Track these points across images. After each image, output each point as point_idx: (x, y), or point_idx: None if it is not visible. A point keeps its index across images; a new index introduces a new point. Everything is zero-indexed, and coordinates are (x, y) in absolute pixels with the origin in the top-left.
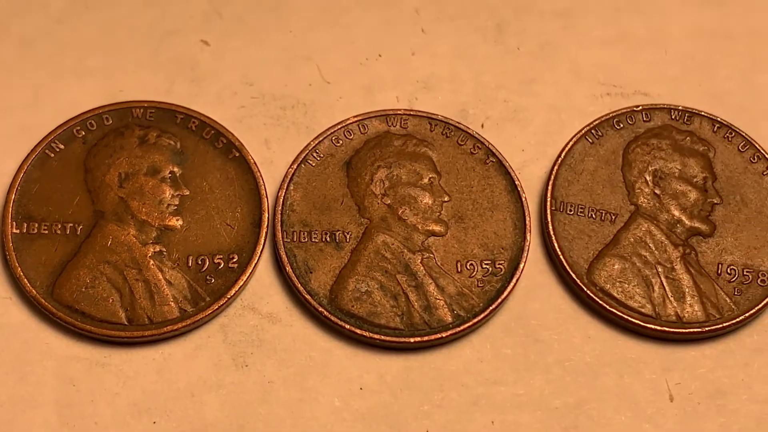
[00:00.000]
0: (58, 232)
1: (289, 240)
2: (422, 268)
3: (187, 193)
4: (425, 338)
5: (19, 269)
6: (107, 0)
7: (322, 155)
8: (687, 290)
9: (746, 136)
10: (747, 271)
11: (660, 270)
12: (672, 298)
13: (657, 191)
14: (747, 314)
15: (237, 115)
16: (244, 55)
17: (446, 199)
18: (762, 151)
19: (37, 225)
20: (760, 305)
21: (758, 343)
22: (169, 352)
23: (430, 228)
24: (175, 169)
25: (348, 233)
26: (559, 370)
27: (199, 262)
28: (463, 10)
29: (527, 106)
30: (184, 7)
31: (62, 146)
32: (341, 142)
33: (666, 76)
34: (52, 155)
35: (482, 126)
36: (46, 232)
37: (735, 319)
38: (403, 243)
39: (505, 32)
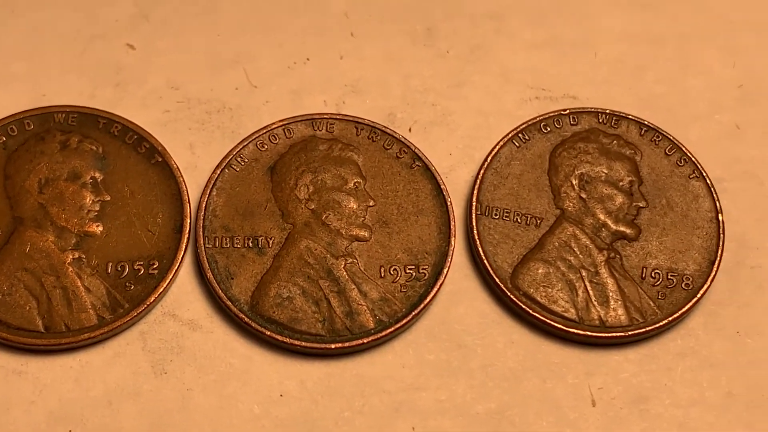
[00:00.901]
0: None
1: (210, 246)
2: (345, 273)
3: (108, 198)
4: (346, 344)
5: None
6: (33, 4)
7: (246, 160)
8: (611, 294)
9: (673, 140)
10: (671, 275)
11: (584, 274)
12: (596, 303)
13: (583, 195)
14: (670, 318)
15: (162, 119)
16: (170, 59)
17: (371, 203)
18: (689, 154)
19: None
20: (684, 309)
21: (681, 348)
22: (86, 359)
23: (355, 233)
24: (97, 175)
25: (271, 239)
26: (481, 375)
27: (119, 269)
28: (393, 14)
29: (456, 109)
30: (111, 11)
31: None
32: (266, 146)
33: (595, 80)
34: None
35: (410, 130)
36: None
37: (658, 323)
38: (327, 248)
39: (435, 36)
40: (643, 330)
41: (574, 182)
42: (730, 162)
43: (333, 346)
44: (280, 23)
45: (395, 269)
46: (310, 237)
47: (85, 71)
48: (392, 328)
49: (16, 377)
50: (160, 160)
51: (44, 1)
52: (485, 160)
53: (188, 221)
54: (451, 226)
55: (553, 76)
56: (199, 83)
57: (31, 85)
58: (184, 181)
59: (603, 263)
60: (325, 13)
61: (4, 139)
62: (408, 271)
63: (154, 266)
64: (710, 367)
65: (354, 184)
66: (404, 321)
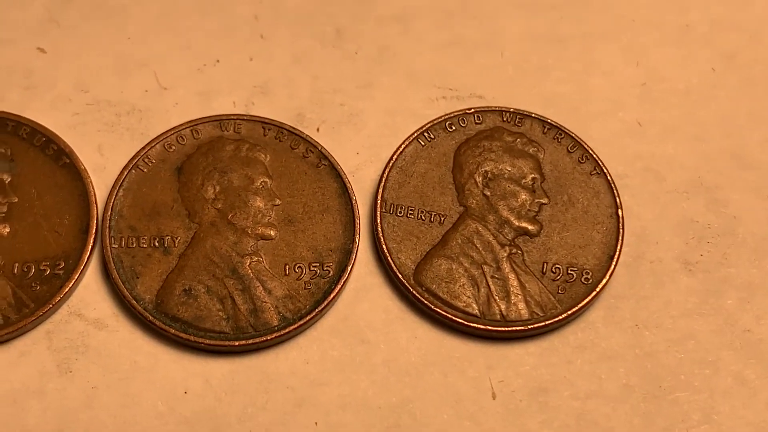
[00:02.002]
0: None
1: (116, 246)
2: (250, 271)
3: (15, 200)
4: (250, 341)
5: None
6: None
7: (154, 161)
8: (512, 289)
9: (575, 137)
10: (571, 270)
11: (486, 270)
12: (497, 298)
13: (487, 192)
14: (569, 312)
15: (71, 122)
16: (80, 63)
17: (277, 202)
18: (590, 151)
19: None
20: (583, 303)
21: (581, 341)
22: None
23: (260, 231)
24: (4, 177)
25: (177, 238)
26: (384, 370)
27: (25, 269)
28: (302, 17)
29: (363, 109)
30: (20, 15)
31: None
32: (174, 147)
33: (500, 79)
34: None
35: (318, 130)
36: None
37: (558, 317)
38: (232, 247)
39: (344, 38)
40: (543, 324)
41: (478, 179)
42: (631, 159)
43: (237, 343)
44: (190, 26)
45: (300, 267)
46: (216, 236)
47: None
48: (296, 325)
49: None
50: (68, 161)
51: None
52: (391, 158)
53: (94, 222)
54: (356, 224)
55: (459, 76)
56: (108, 86)
57: None
58: (91, 182)
59: (505, 259)
60: (234, 15)
61: None
62: (312, 268)
63: (60, 266)
64: (608, 360)
65: (261, 183)
66: (308, 318)
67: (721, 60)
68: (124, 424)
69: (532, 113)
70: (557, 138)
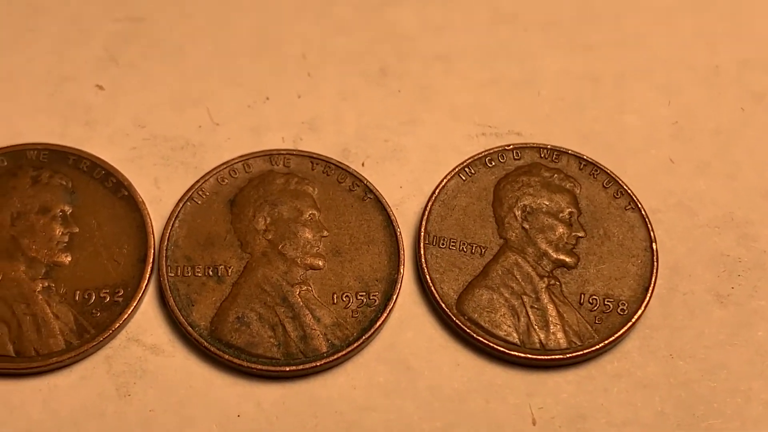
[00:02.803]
0: None
1: (172, 275)
2: (300, 300)
3: (77, 230)
4: (300, 367)
5: None
6: (7, 48)
7: (207, 193)
8: (551, 319)
9: (610, 173)
10: (608, 301)
11: (526, 300)
12: (536, 327)
13: (525, 225)
14: (606, 342)
15: (128, 156)
16: (137, 99)
17: (325, 234)
18: (625, 187)
19: None
20: (619, 333)
21: (617, 369)
22: (54, 383)
23: (309, 262)
24: (66, 208)
25: (230, 267)
26: (428, 396)
27: (86, 297)
28: (348, 56)
29: (406, 145)
30: (81, 54)
31: None
32: (226, 181)
33: (538, 117)
34: None
35: (363, 164)
36: None
37: (595, 346)
38: (283, 276)
39: (388, 76)
40: (581, 353)
41: (517, 213)
42: (664, 194)
43: (288, 368)
44: (241, 65)
45: (347, 296)
46: (267, 266)
47: (55, 111)
48: (344, 352)
49: None
50: (126, 194)
51: (18, 44)
52: (433, 192)
53: (152, 251)
54: (401, 255)
55: (498, 113)
56: (164, 122)
57: (6, 125)
58: (148, 213)
59: (544, 290)
60: (283, 54)
61: None
62: (359, 297)
63: (119, 294)
64: (644, 388)
65: (309, 215)
66: (355, 345)
67: (751, 100)
68: None
69: (569, 150)
70: (593, 174)
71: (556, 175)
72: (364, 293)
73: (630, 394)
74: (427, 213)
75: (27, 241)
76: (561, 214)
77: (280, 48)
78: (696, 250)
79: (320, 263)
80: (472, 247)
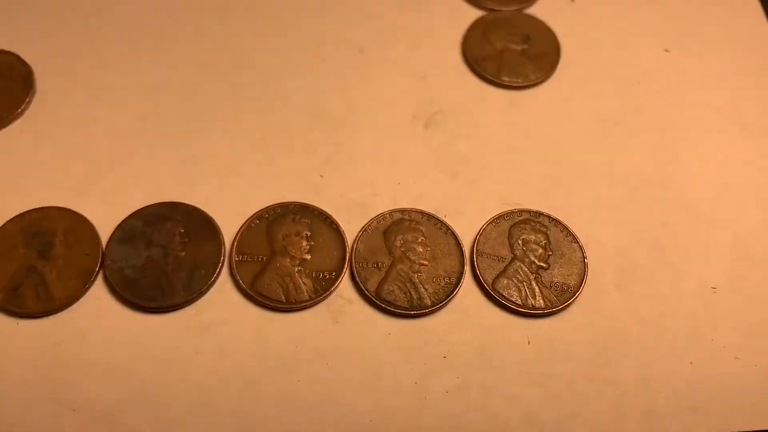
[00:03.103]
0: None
1: (358, 265)
2: (417, 279)
3: (312, 243)
4: (417, 311)
5: None
6: (280, 149)
7: (373, 228)
8: (536, 294)
9: (564, 224)
10: (564, 286)
11: (525, 284)
12: (529, 296)
13: (524, 248)
14: (562, 306)
15: (337, 207)
16: (349, 182)
17: (428, 248)
18: (571, 231)
19: None
20: (569, 302)
21: (567, 318)
22: (302, 316)
23: (421, 262)
24: (308, 232)
25: (383, 264)
26: (479, 329)
27: (317, 275)
28: (436, 164)
29: (467, 207)
30: (308, 154)
31: None
32: (381, 222)
33: (531, 195)
34: None
35: (444, 216)
36: None
37: (556, 307)
38: (410, 268)
39: (459, 176)
40: (549, 310)
41: (520, 243)
42: (589, 235)
43: (411, 312)
44: (397, 169)
45: (439, 279)
46: (401, 264)
47: (300, 186)
48: (438, 305)
49: (269, 322)
50: (335, 226)
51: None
52: (479, 231)
53: (347, 254)
54: (464, 260)
55: (511, 193)
56: (360, 193)
57: (278, 190)
58: (346, 237)
59: (533, 279)
60: (409, 166)
61: (267, 216)
62: (445, 280)
63: (332, 274)
64: (581, 327)
65: (420, 240)
66: (443, 303)
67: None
68: (362, 353)
69: (544, 212)
70: (555, 223)
71: (538, 224)
72: (447, 278)
73: (575, 330)
74: (477, 241)
75: (290, 248)
76: (541, 243)
77: (413, 164)
78: (607, 261)
79: (426, 263)
80: (498, 258)
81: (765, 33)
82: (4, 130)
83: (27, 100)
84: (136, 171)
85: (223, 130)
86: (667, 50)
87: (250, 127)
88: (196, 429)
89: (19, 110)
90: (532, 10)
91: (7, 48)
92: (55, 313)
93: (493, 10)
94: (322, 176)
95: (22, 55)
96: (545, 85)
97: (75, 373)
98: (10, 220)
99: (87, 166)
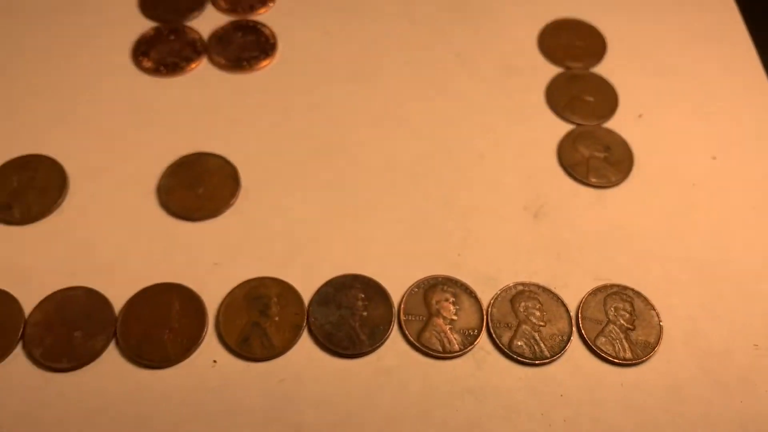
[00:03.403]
0: None
1: (494, 326)
2: (538, 336)
3: (458, 307)
4: (537, 361)
5: None
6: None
7: (502, 296)
8: (626, 348)
9: (645, 296)
10: (646, 342)
11: (618, 341)
12: (621, 350)
13: (615, 314)
14: (645, 358)
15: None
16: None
17: (544, 313)
18: (650, 301)
19: None
20: (649, 356)
21: (648, 366)
22: (454, 363)
23: (539, 324)
24: (453, 299)
25: (511, 324)
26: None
27: (466, 332)
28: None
29: (570, 280)
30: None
31: None
32: (508, 291)
33: (619, 272)
34: None
35: (555, 288)
36: None
37: (640, 359)
38: (531, 327)
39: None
40: (636, 361)
41: (612, 310)
42: (665, 301)
43: (536, 362)
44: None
45: (554, 336)
46: (526, 324)
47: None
48: (555, 357)
49: (431, 368)
50: (473, 294)
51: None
52: (581, 301)
53: (484, 317)
54: (572, 323)
55: (605, 271)
56: (486, 267)
57: (426, 263)
58: (482, 303)
59: (623, 337)
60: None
61: (423, 285)
62: (559, 338)
63: (475, 332)
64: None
65: (538, 306)
66: (557, 355)
67: None
68: (501, 392)
69: (630, 286)
70: (638, 295)
71: (625, 295)
72: (560, 336)
73: (655, 375)
74: (580, 307)
75: (442, 311)
76: (627, 310)
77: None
78: (678, 324)
79: (543, 324)
80: (597, 321)
81: None
82: (220, 217)
83: (236, 194)
84: (324, 249)
85: (384, 219)
86: (714, 157)
87: (404, 216)
88: None
89: (231, 202)
90: (609, 125)
91: (217, 152)
92: (276, 358)
93: (579, 124)
94: (459, 255)
95: (229, 158)
96: (624, 185)
97: (297, 403)
98: (237, 286)
99: (287, 244)
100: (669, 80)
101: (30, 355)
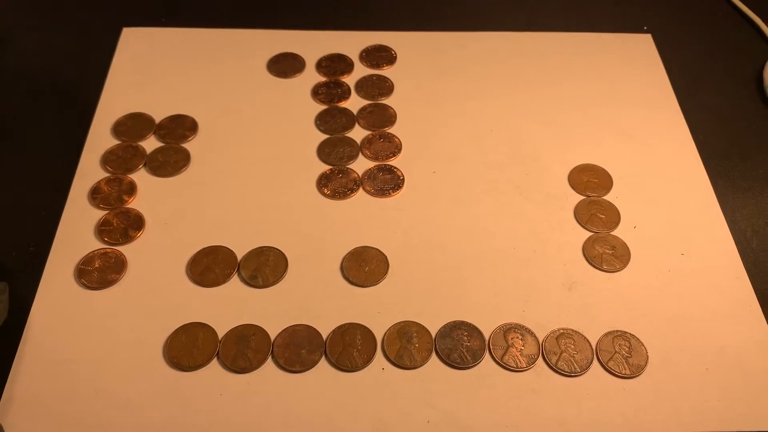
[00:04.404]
0: None
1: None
2: (573, 360)
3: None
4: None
5: None
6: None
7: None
8: (627, 370)
9: (638, 337)
10: (638, 365)
11: (621, 365)
12: (625, 371)
13: (616, 349)
14: (637, 374)
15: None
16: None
17: (578, 351)
18: (642, 342)
19: None
20: (640, 372)
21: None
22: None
23: (572, 354)
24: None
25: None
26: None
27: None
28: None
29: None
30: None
31: None
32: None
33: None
34: None
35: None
36: None
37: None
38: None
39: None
40: (633, 376)
41: (615, 347)
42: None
43: (572, 375)
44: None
45: (581, 362)
46: (561, 360)
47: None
48: (581, 372)
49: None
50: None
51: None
52: (597, 342)
53: (540, 351)
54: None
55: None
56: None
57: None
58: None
59: (625, 361)
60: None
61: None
62: (581, 363)
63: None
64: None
65: (572, 346)
66: (584, 370)
67: None
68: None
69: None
70: (633, 336)
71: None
72: (585, 361)
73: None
74: (596, 348)
75: (515, 344)
76: (625, 347)
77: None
78: (661, 357)
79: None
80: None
81: None
82: (379, 285)
83: (386, 271)
84: (441, 302)
85: (478, 284)
86: (682, 254)
87: (494, 284)
88: None
89: (385, 275)
90: (615, 232)
91: (376, 246)
92: (417, 368)
93: (596, 232)
94: (524, 311)
95: (382, 250)
96: (624, 271)
97: (431, 395)
98: (392, 325)
99: (423, 299)
100: (655, 205)
101: (276, 363)
